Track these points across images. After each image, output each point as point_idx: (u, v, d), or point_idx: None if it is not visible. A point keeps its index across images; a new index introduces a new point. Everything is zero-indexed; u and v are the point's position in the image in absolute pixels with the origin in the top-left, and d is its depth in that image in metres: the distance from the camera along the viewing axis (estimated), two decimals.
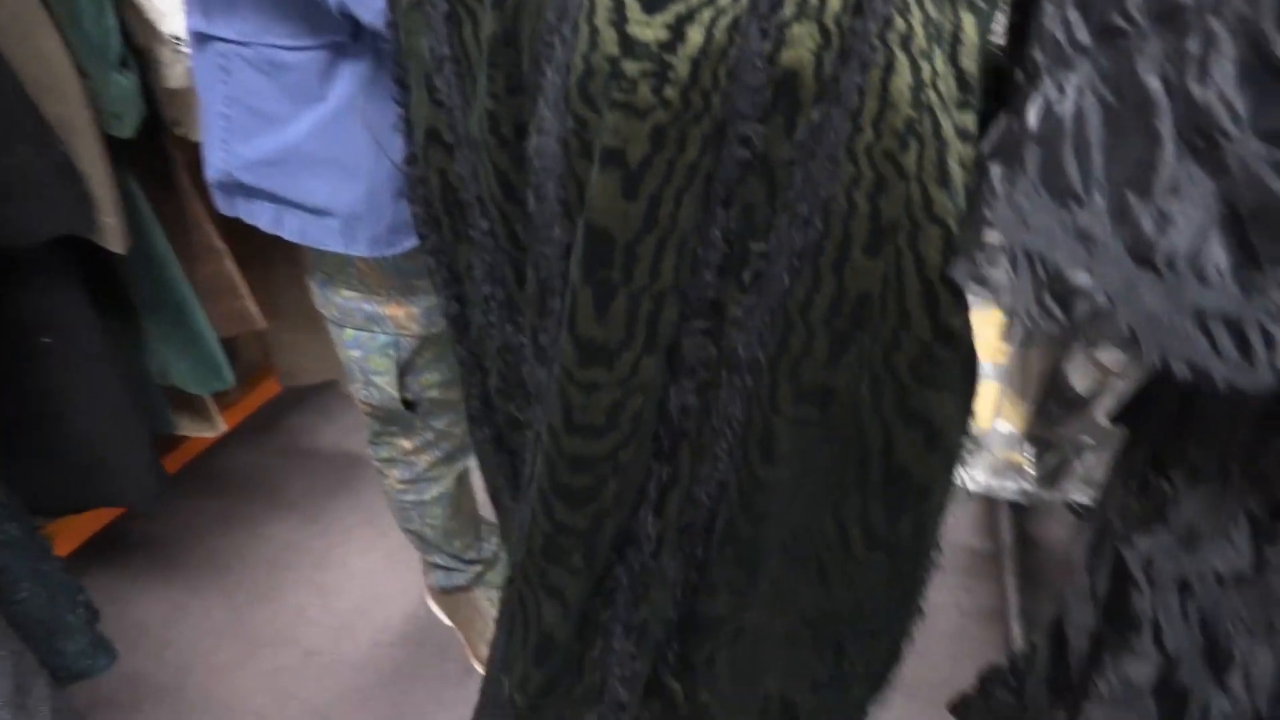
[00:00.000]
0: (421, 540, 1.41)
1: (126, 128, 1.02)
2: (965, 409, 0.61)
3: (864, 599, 0.71)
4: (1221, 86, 0.47)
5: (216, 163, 0.99)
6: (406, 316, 1.12)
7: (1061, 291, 0.54)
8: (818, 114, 0.52)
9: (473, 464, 1.30)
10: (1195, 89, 0.48)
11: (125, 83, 1.01)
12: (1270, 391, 0.50)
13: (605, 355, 0.60)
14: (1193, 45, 0.49)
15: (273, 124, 0.95)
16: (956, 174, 0.54)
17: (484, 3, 0.62)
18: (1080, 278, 0.54)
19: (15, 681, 0.91)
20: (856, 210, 0.53)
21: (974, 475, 1.47)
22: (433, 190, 0.74)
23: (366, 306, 1.11)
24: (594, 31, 0.52)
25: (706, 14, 0.51)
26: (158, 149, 1.22)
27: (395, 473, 1.35)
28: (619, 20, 0.52)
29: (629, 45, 0.52)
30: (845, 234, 0.54)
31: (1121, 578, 0.75)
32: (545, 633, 0.75)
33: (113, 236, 0.98)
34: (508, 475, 0.89)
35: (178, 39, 1.06)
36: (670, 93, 0.52)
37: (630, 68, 0.52)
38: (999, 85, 0.59)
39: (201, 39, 0.93)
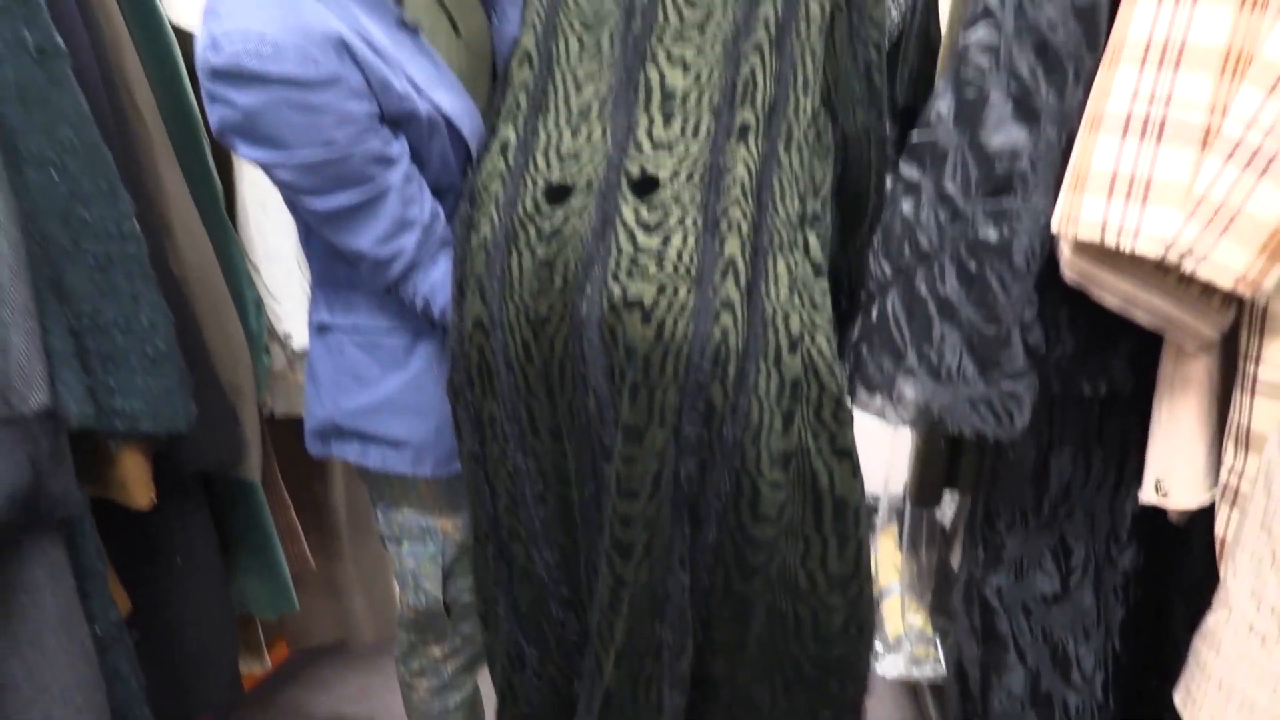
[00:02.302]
0: None
1: (260, 393, 1.42)
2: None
3: (831, 645, 1.07)
4: (950, 296, 0.94)
5: (321, 414, 1.38)
6: (453, 527, 1.47)
7: (900, 400, 0.98)
8: None
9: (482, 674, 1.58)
10: (943, 296, 0.95)
11: (265, 361, 1.42)
12: (1017, 439, 0.93)
13: (637, 434, 0.99)
14: (935, 272, 0.97)
15: (368, 385, 1.36)
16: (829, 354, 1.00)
17: (530, 244, 1.07)
18: (909, 391, 0.98)
19: None
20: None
21: (895, 666, 1.82)
22: (471, 361, 1.15)
23: (422, 521, 1.46)
24: (619, 246, 0.98)
25: (679, 232, 0.99)
26: None
27: (424, 683, 1.62)
28: (632, 238, 0.99)
29: (640, 249, 0.99)
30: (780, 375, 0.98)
31: (986, 610, 1.12)
32: (608, 686, 1.07)
33: (251, 469, 1.33)
34: (504, 583, 1.23)
35: (288, 335, 1.49)
36: (665, 267, 0.98)
37: (642, 259, 0.98)
38: (851, 304, 1.07)
39: (323, 328, 1.35)
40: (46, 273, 1.01)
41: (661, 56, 1.12)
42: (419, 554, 1.50)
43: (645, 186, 1.04)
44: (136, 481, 1.17)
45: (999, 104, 0.91)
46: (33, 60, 0.97)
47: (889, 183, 1.05)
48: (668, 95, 1.09)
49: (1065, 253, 0.87)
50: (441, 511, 1.48)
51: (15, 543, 1.02)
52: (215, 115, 1.06)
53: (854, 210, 1.19)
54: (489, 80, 1.28)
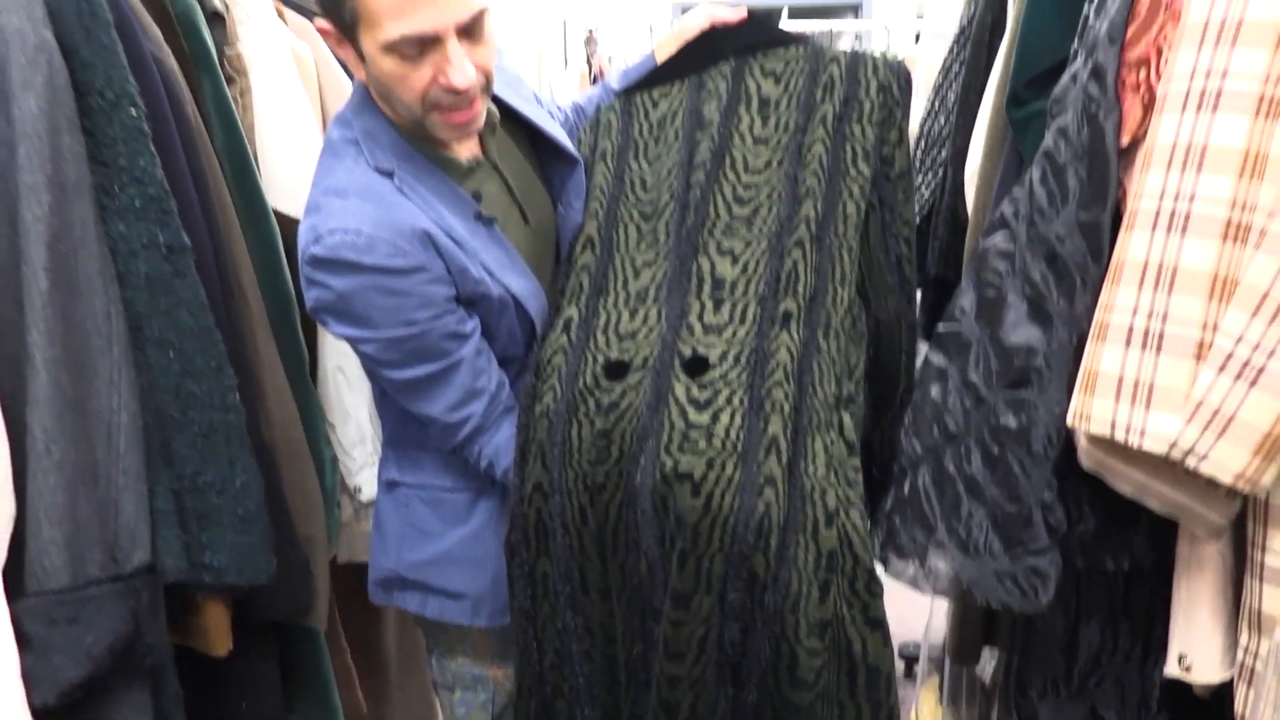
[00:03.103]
0: None
1: (332, 545, 1.52)
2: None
3: None
4: (976, 475, 1.02)
5: (386, 566, 1.46)
6: (504, 676, 1.53)
7: (931, 571, 1.05)
8: None
9: None
10: (970, 475, 1.03)
11: (336, 515, 1.53)
12: (1041, 610, 0.99)
13: (685, 600, 1.06)
14: (962, 452, 1.05)
15: (431, 538, 1.45)
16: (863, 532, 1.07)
17: (589, 415, 1.17)
18: (939, 563, 1.05)
19: None
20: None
21: None
22: (529, 521, 1.23)
23: (475, 670, 1.52)
24: (671, 421, 1.09)
25: (727, 411, 1.08)
26: None
27: None
28: (684, 415, 1.09)
29: (691, 425, 1.09)
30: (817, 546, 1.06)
31: None
32: None
33: (320, 618, 1.42)
34: None
35: (358, 488, 1.59)
36: (714, 443, 1.07)
37: (693, 434, 1.08)
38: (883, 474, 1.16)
39: (391, 485, 1.46)
40: (157, 439, 1.13)
41: (712, 248, 1.25)
42: (470, 702, 1.55)
43: (696, 367, 1.15)
44: (217, 630, 1.26)
45: (1016, 305, 1.01)
46: (162, 257, 1.11)
47: (918, 366, 1.15)
48: (718, 284, 1.21)
49: (1081, 442, 0.95)
50: (494, 660, 1.54)
51: (106, 687, 1.10)
52: (312, 296, 1.20)
53: (886, 389, 1.28)
54: (553, 261, 1.42)
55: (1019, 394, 0.99)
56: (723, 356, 1.15)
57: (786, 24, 3.76)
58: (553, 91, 4.24)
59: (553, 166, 1.43)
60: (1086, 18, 1.16)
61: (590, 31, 3.93)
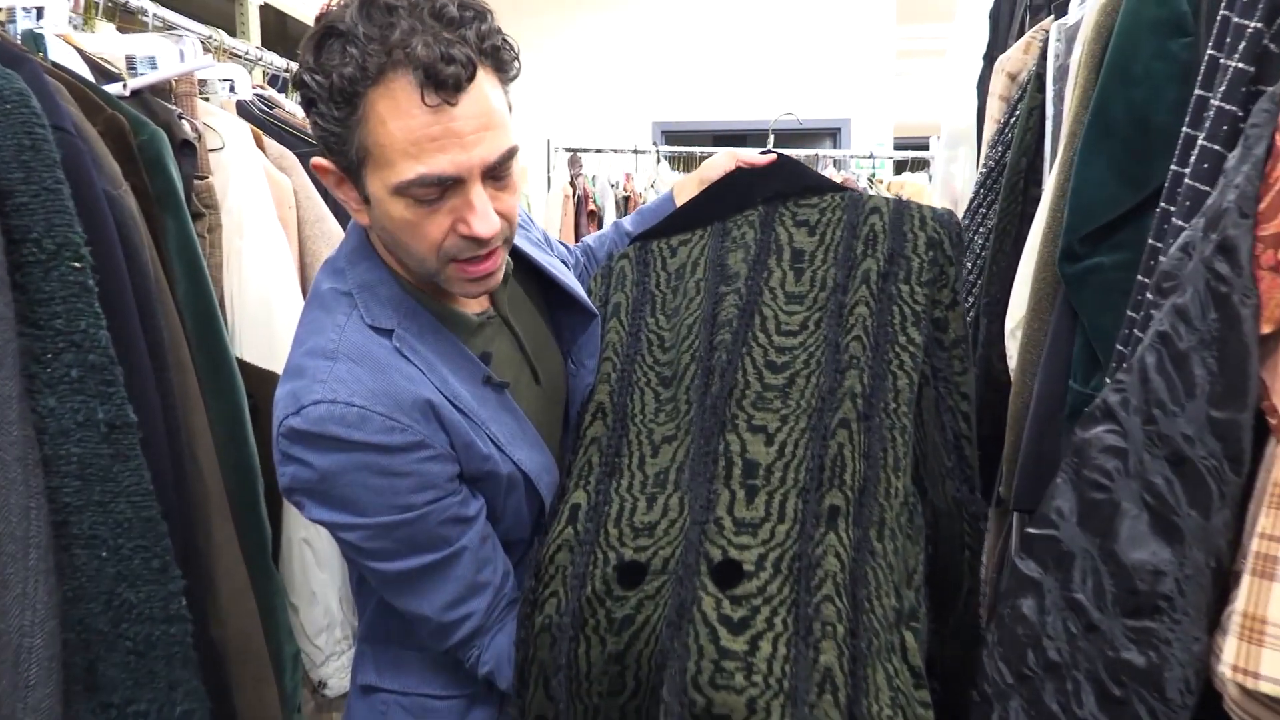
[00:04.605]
0: None
1: None
2: None
3: None
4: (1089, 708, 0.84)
5: None
6: None
7: None
8: None
9: None
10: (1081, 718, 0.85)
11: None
12: None
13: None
14: (1068, 689, 0.87)
15: None
16: None
17: (599, 630, 0.97)
18: None
19: None
20: None
21: None
22: None
23: None
24: (700, 646, 0.88)
25: (769, 635, 0.87)
26: None
27: None
28: (714, 638, 0.88)
29: (725, 653, 0.87)
30: None
31: None
32: None
33: None
34: None
35: (323, 682, 1.36)
36: (755, 678, 0.86)
37: (728, 665, 0.87)
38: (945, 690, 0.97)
39: (368, 690, 1.23)
40: (80, 661, 0.92)
41: (742, 423, 1.08)
42: None
43: (728, 574, 0.96)
44: None
45: (1133, 514, 0.85)
46: (100, 436, 0.92)
47: (1005, 576, 0.97)
48: (750, 468, 1.03)
49: (1232, 692, 0.78)
50: None
51: None
52: (288, 474, 1.00)
53: (947, 593, 1.10)
54: (561, 426, 1.24)
55: (1145, 624, 0.82)
56: (760, 562, 0.96)
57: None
58: (530, 209, 4.15)
59: (564, 318, 1.27)
60: (1179, 176, 1.04)
61: (574, 154, 3.86)
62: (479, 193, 0.95)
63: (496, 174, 0.97)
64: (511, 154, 0.97)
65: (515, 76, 0.99)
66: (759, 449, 1.04)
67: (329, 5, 0.96)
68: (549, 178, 3.89)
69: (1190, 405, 0.82)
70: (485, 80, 0.94)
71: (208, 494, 1.10)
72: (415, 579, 1.05)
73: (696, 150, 4.07)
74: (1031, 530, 0.94)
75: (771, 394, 1.08)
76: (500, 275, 1.05)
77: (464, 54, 0.90)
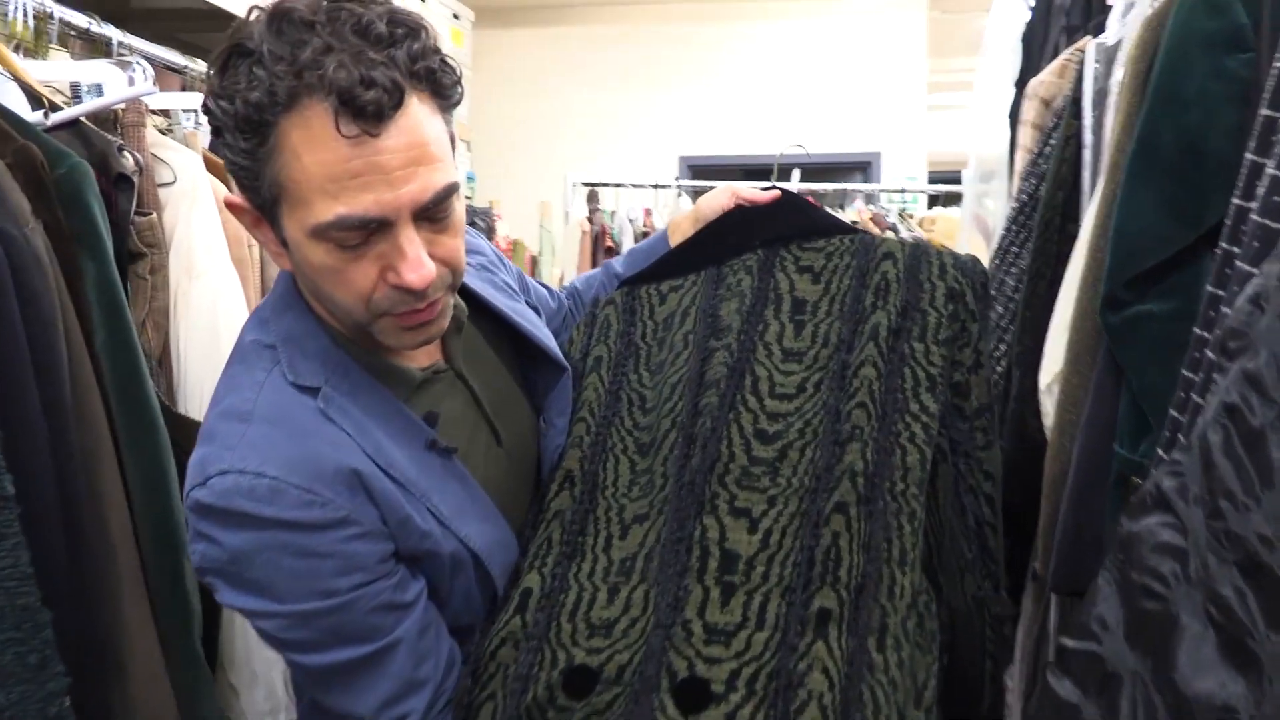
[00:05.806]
0: None
1: None
2: None
3: None
4: None
5: None
6: None
7: None
8: None
9: None
10: None
11: None
12: None
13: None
14: None
15: None
16: None
17: None
18: None
19: None
20: None
21: None
22: None
23: None
24: None
25: None
26: None
27: None
28: None
29: None
30: None
31: None
32: None
33: None
34: None
35: None
36: None
37: None
38: None
39: None
40: None
41: (723, 504, 0.92)
42: None
43: (692, 694, 0.80)
44: None
45: (1196, 633, 0.68)
46: None
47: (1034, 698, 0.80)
48: (728, 560, 0.88)
49: None
50: None
51: None
52: (197, 552, 0.87)
53: (964, 709, 0.93)
54: (531, 492, 1.10)
55: None
56: (731, 681, 0.80)
57: (798, 186, 3.58)
58: (554, 246, 4.04)
59: (535, 369, 1.13)
60: (1243, 211, 0.88)
61: (592, 188, 3.74)
62: (410, 237, 0.81)
63: (432, 215, 0.83)
64: (449, 191, 0.83)
65: (457, 103, 0.86)
66: (740, 537, 0.88)
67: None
68: (566, 212, 3.77)
69: (1268, 497, 0.66)
70: (418, 107, 0.81)
71: (117, 568, 0.96)
72: (344, 674, 0.91)
73: (720, 185, 3.92)
74: (1067, 643, 0.77)
75: (759, 469, 0.93)
76: (443, 324, 0.91)
77: (388, 77, 0.77)
